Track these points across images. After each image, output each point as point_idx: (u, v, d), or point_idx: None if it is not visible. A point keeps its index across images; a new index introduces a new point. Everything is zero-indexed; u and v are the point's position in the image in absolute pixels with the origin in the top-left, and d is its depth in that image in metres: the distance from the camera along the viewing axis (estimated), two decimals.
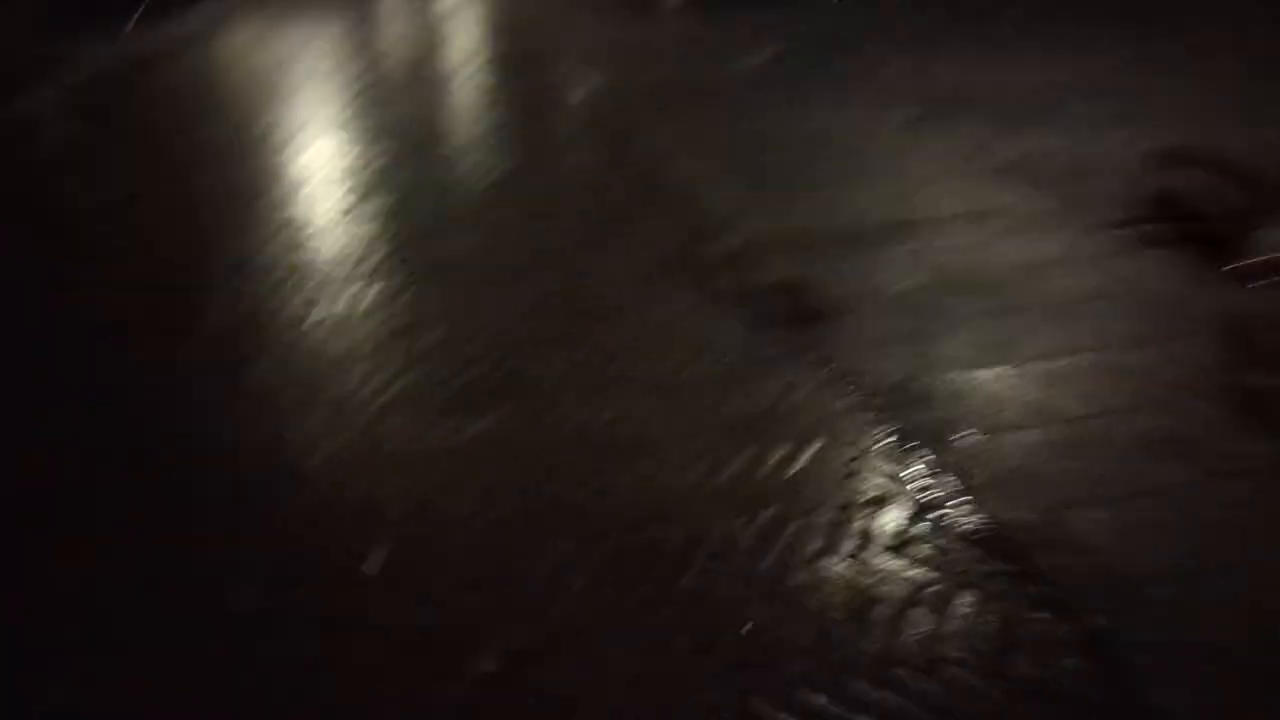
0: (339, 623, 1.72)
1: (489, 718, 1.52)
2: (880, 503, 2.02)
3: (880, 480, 2.11)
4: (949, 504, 1.98)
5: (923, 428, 2.26)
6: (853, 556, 1.84)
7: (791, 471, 2.15)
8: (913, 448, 2.20)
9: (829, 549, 1.87)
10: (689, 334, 2.88)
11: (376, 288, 3.36)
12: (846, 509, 1.99)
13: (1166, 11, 7.19)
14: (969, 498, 1.99)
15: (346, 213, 4.29)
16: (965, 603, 1.69)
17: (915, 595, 1.72)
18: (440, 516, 2.07)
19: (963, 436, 2.22)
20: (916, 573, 1.78)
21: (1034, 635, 1.61)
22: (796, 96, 5.76)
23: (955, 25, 7.70)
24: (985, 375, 2.49)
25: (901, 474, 2.12)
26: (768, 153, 4.65)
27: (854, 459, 2.19)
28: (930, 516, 1.96)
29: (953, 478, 2.06)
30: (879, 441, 2.25)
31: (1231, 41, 6.34)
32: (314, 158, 5.31)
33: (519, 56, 8.73)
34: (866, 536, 1.91)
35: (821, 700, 1.47)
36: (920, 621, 1.65)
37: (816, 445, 2.24)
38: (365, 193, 4.55)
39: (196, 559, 1.93)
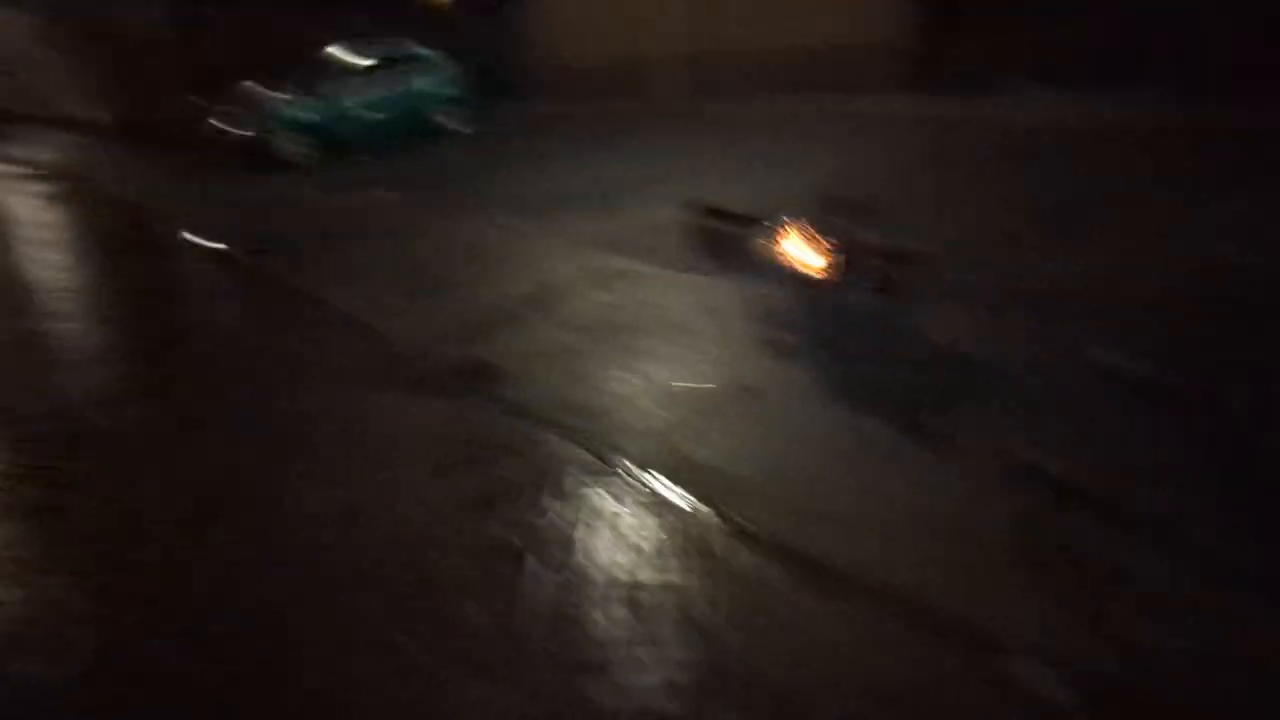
0: None
1: None
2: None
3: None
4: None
5: (587, 433, 3.00)
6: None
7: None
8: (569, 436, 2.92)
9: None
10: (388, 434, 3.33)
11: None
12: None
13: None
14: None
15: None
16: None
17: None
18: None
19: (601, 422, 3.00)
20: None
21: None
22: (423, 222, 6.56)
23: (543, 152, 9.34)
24: (644, 406, 3.28)
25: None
26: (421, 272, 5.29)
27: (544, 474, 2.83)
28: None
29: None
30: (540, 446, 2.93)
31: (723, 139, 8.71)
32: None
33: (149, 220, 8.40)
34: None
35: None
36: None
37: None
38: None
39: None
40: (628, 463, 2.75)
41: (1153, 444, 2.48)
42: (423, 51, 12.81)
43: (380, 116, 12.02)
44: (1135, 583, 1.97)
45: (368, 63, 12.33)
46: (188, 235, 7.36)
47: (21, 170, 16.00)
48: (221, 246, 6.74)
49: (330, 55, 12.95)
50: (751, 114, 10.41)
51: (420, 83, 12.43)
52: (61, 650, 2.16)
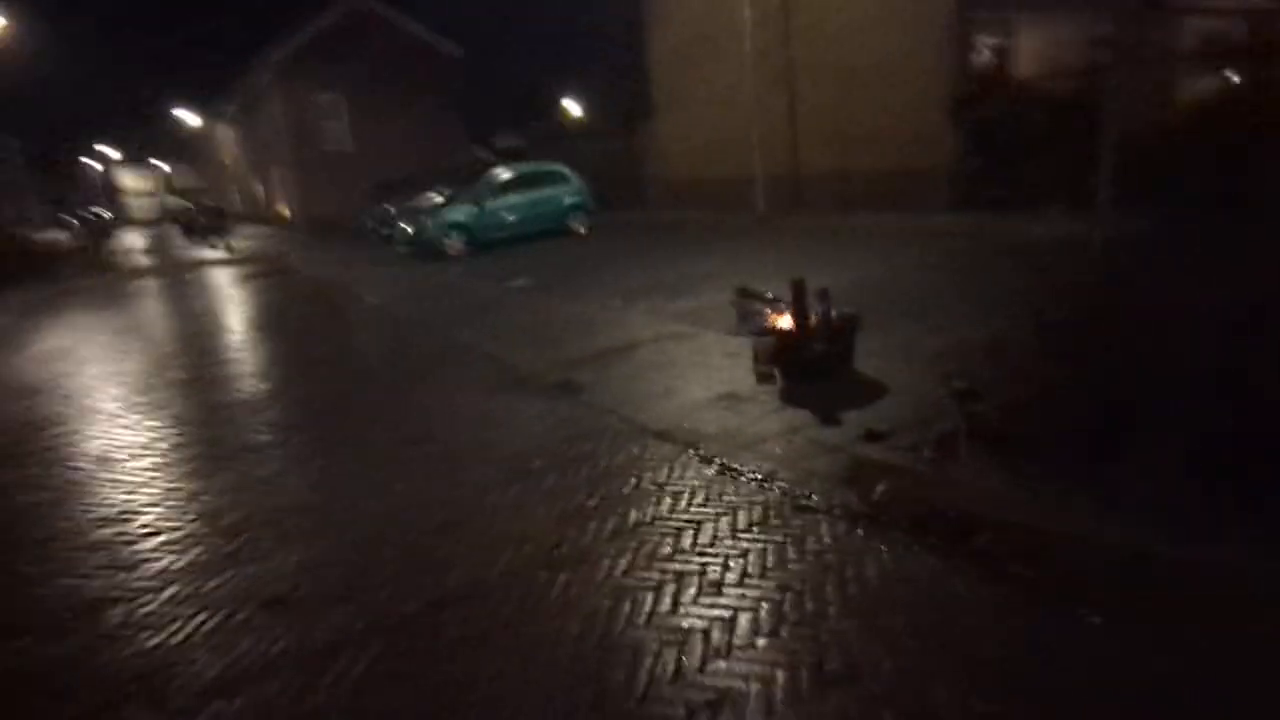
0: None
1: None
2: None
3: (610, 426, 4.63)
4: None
5: (627, 416, 4.86)
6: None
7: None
8: (617, 416, 4.77)
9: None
10: (518, 417, 5.32)
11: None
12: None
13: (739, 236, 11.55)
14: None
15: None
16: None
17: None
18: None
19: (643, 409, 4.84)
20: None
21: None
22: (548, 302, 8.78)
23: (644, 251, 11.55)
24: (666, 404, 5.13)
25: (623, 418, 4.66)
26: (542, 331, 7.43)
27: (602, 430, 4.71)
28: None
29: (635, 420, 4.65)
30: (613, 425, 4.80)
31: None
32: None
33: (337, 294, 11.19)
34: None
35: None
36: None
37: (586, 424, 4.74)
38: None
39: None
40: (650, 429, 4.57)
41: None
42: (556, 167, 15.67)
43: (520, 219, 14.79)
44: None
45: (510, 175, 15.23)
46: (374, 301, 9.97)
47: (234, 254, 20.00)
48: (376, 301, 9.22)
49: (485, 169, 16.04)
50: (818, 225, 12.34)
51: (552, 193, 15.21)
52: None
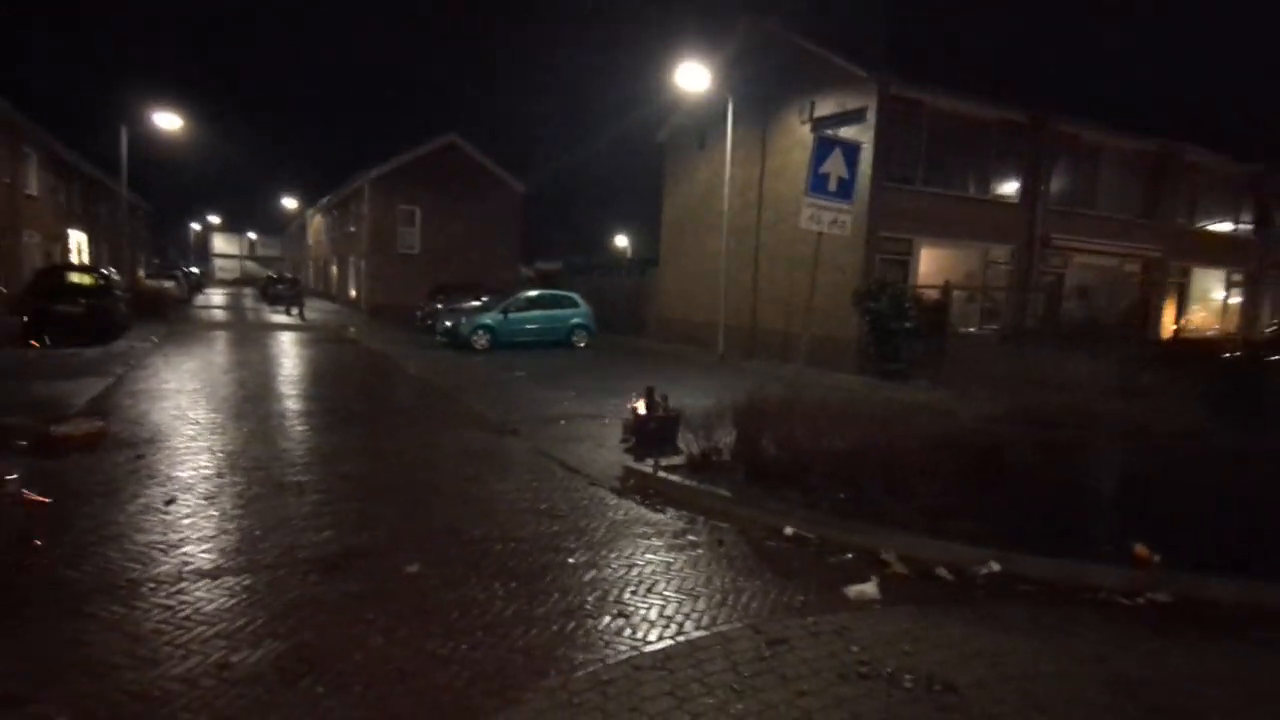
0: None
1: None
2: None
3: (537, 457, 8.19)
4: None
5: (546, 451, 8.42)
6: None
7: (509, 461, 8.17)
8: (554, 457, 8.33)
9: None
10: (477, 441, 8.91)
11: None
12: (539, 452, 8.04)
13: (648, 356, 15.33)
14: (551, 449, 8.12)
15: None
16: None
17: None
18: None
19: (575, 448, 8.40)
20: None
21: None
22: (531, 388, 12.51)
23: (617, 366, 15.34)
24: (565, 444, 8.67)
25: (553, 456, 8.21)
26: (516, 402, 11.09)
27: (530, 456, 8.26)
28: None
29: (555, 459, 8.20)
30: (552, 457, 8.35)
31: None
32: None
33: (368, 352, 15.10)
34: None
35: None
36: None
37: (520, 459, 8.29)
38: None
39: None
40: (549, 454, 8.09)
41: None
42: (570, 295, 19.91)
43: (534, 329, 18.83)
44: None
45: (534, 295, 19.47)
46: (411, 371, 13.85)
47: (304, 322, 24.37)
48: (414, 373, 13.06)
49: (520, 286, 20.38)
50: (756, 368, 16.06)
51: (564, 313, 19.34)
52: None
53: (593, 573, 4.87)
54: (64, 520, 5.44)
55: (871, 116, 15.04)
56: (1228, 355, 14.64)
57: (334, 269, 41.83)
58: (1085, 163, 18.79)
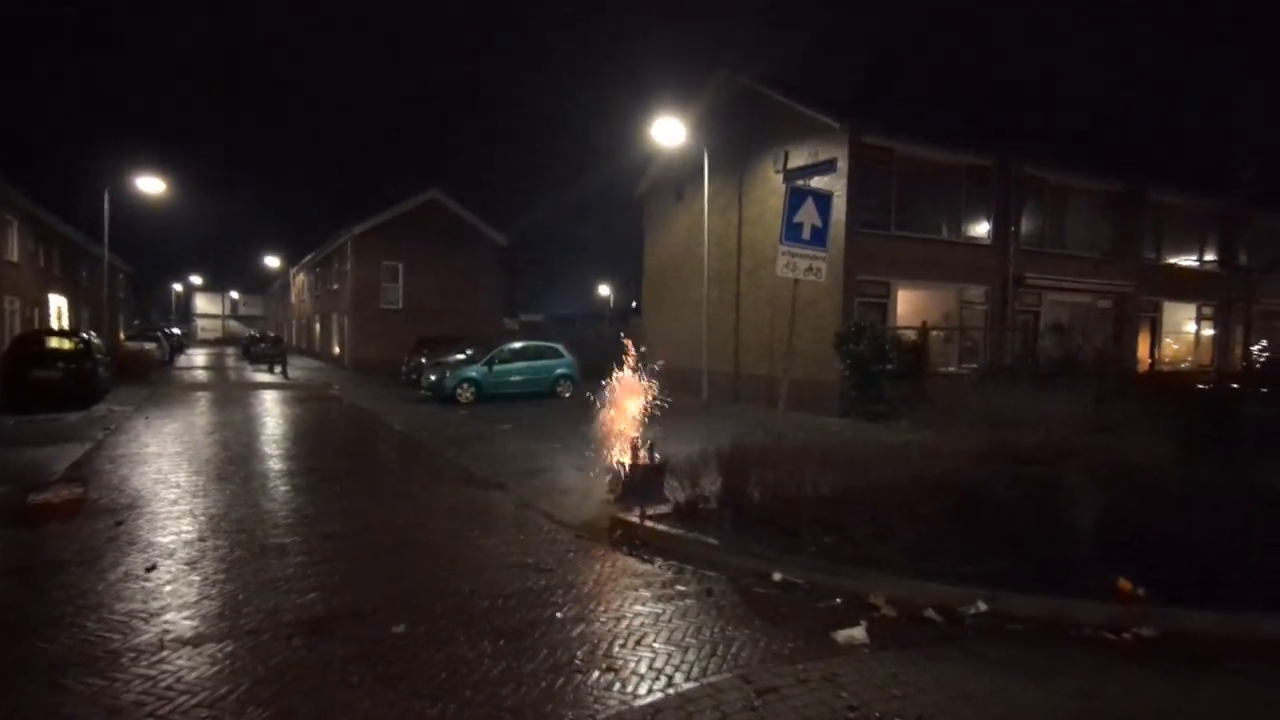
0: None
1: None
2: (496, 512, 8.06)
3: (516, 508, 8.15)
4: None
5: (529, 501, 8.40)
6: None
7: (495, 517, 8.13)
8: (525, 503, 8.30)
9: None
10: (463, 496, 8.86)
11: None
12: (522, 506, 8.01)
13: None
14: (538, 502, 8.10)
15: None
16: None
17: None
18: None
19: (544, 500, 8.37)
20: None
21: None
22: (516, 440, 12.48)
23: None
24: (551, 496, 8.65)
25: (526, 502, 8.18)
26: (501, 455, 11.05)
27: (516, 509, 8.23)
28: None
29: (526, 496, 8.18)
30: (527, 512, 8.32)
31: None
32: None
33: (361, 424, 15.01)
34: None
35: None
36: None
37: (504, 509, 8.26)
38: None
39: None
40: (536, 507, 8.06)
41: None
42: (554, 345, 19.99)
43: (519, 380, 18.85)
44: None
45: (518, 347, 19.54)
46: (396, 426, 13.78)
47: (287, 380, 24.22)
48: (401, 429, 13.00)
49: (505, 337, 20.44)
50: (741, 414, 16.13)
51: (548, 364, 19.40)
52: None
53: (581, 627, 4.84)
54: (40, 590, 5.35)
55: (843, 165, 15.48)
56: (1202, 388, 14.92)
57: (317, 326, 41.77)
58: (1053, 203, 19.36)
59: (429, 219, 31.95)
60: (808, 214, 8.42)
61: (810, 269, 8.61)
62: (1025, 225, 18.62)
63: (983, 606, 5.08)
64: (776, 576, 5.71)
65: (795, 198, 8.48)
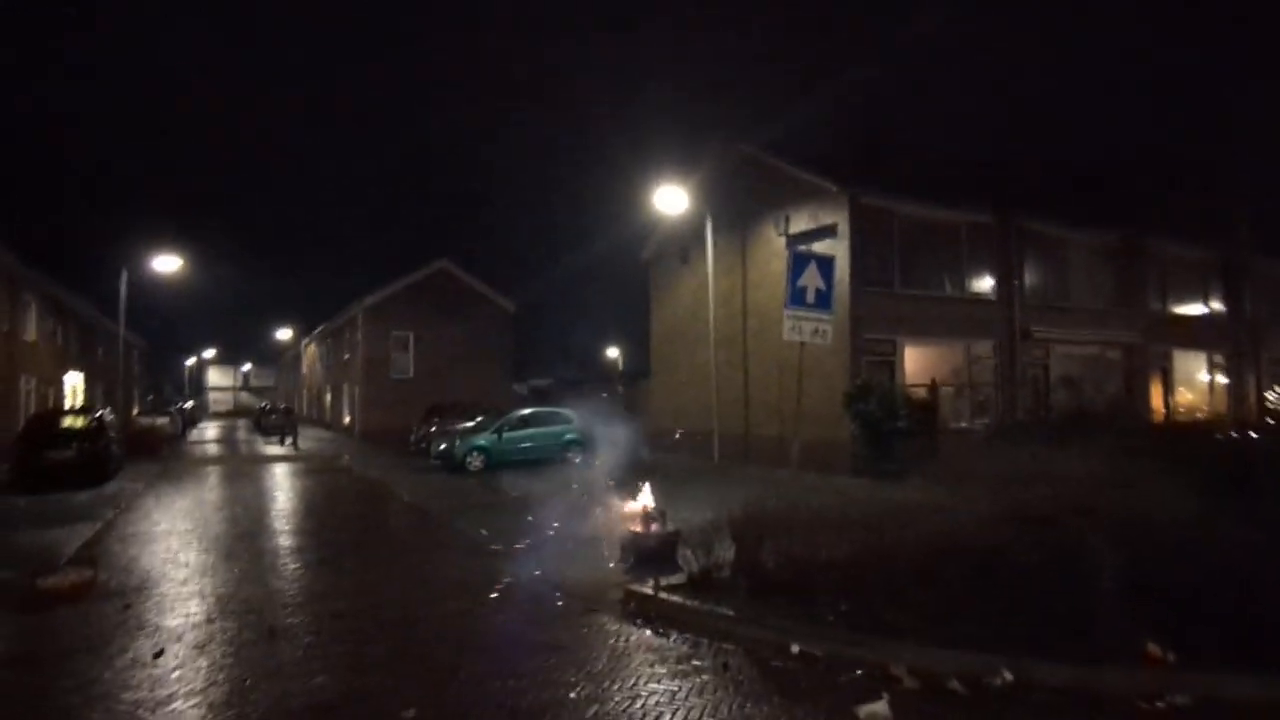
0: None
1: None
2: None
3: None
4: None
5: (529, 568, 8.29)
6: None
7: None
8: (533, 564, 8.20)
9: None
10: (474, 569, 8.75)
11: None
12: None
13: None
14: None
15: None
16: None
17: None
18: None
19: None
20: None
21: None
22: (526, 509, 12.40)
23: (612, 477, 15.26)
24: (560, 564, 8.53)
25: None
26: (512, 525, 10.95)
27: (528, 582, 8.12)
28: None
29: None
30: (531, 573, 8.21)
31: None
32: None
33: (369, 494, 14.94)
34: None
35: None
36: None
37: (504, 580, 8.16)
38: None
39: None
40: (555, 581, 7.94)
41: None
42: (563, 411, 19.97)
43: (529, 446, 18.79)
44: None
45: (526, 413, 19.53)
46: (405, 497, 13.71)
47: (298, 452, 24.31)
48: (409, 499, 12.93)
49: (515, 404, 20.44)
50: (752, 475, 15.97)
51: (557, 430, 19.35)
52: None
53: (595, 707, 4.71)
54: (47, 679, 5.28)
55: (845, 226, 15.72)
56: (1220, 438, 14.71)
57: (328, 396, 42.01)
58: (1055, 257, 19.53)
59: (439, 288, 32.45)
60: (811, 277, 8.53)
61: (816, 331, 8.67)
62: (1029, 279, 18.75)
63: (1008, 676, 4.92)
64: (795, 649, 5.57)
65: (798, 262, 8.61)
